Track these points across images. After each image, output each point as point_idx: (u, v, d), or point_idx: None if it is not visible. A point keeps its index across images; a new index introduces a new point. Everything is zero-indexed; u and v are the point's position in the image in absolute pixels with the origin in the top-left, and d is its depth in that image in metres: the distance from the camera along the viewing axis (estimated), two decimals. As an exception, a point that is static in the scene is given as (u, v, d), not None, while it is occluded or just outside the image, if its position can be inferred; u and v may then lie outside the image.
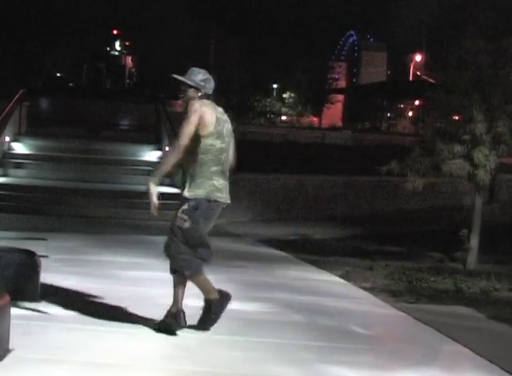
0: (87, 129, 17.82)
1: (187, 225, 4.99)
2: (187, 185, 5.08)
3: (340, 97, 58.38)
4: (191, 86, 5.24)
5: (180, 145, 4.99)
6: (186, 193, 5.07)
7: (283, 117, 50.71)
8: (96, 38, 34.00)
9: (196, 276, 5.07)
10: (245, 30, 42.40)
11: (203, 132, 5.01)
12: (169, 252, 5.11)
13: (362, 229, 12.67)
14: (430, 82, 12.01)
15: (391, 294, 7.40)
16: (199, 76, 5.30)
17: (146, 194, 5.12)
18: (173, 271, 5.14)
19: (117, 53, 38.25)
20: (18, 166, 15.39)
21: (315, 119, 55.66)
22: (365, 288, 7.60)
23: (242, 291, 6.49)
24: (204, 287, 5.12)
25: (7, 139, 16.11)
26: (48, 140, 16.72)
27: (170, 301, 6.21)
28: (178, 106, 19.98)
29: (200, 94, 5.22)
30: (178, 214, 5.04)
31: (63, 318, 5.42)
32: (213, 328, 5.13)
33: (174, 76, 5.29)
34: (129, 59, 38.56)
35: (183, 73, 5.31)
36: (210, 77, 5.32)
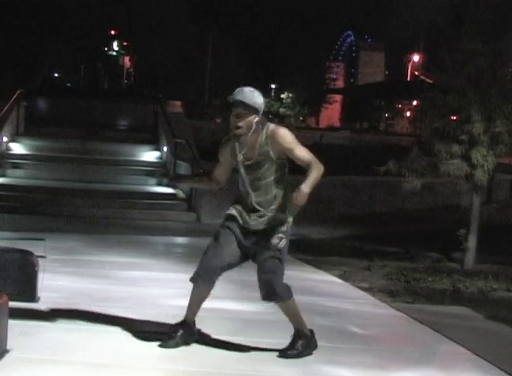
0: (85, 129, 17.82)
1: (283, 243, 4.69)
2: (273, 206, 4.69)
3: (338, 97, 58.45)
4: (255, 111, 4.63)
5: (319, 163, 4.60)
6: (279, 217, 4.69)
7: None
8: (94, 39, 33.97)
9: (292, 301, 4.84)
10: (243, 30, 42.39)
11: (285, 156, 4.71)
12: (280, 281, 4.74)
13: (359, 229, 12.67)
14: (428, 82, 12.02)
15: (389, 294, 7.40)
16: (260, 98, 4.66)
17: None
18: (272, 298, 4.77)
19: (114, 53, 38.20)
20: (16, 166, 15.39)
21: (311, 120, 55.65)
22: (363, 288, 7.60)
23: (241, 291, 6.50)
24: (296, 314, 4.87)
25: (5, 139, 16.11)
26: (45, 140, 16.73)
27: (169, 301, 6.22)
28: (176, 106, 19.95)
29: (257, 119, 4.64)
30: (278, 235, 4.65)
31: (61, 318, 5.42)
32: (213, 328, 5.14)
33: (237, 98, 4.60)
34: (127, 60, 38.52)
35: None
36: None
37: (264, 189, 4.70)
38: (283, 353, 4.82)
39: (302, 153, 4.64)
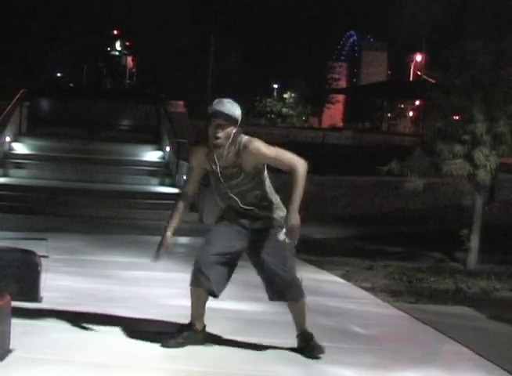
0: (87, 129, 17.84)
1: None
2: (269, 211, 4.71)
3: (341, 97, 58.40)
4: (235, 122, 4.61)
5: (301, 162, 4.58)
6: (276, 216, 4.71)
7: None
8: (97, 39, 34.01)
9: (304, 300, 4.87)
10: (245, 30, 42.40)
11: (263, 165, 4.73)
12: (291, 280, 4.73)
13: (362, 229, 12.67)
14: (431, 82, 12.01)
15: (392, 294, 7.40)
16: (239, 110, 4.65)
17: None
18: (290, 298, 4.78)
19: (117, 53, 38.23)
20: (18, 166, 15.41)
21: (314, 120, 55.64)
22: (365, 288, 7.60)
23: (242, 291, 6.50)
24: (306, 315, 4.89)
25: (7, 139, 16.14)
26: (48, 140, 16.75)
27: (172, 301, 6.22)
28: (178, 106, 19.97)
29: (235, 130, 4.62)
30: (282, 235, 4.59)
31: (64, 318, 5.42)
32: (213, 328, 5.13)
33: (218, 109, 4.58)
34: (129, 60, 38.55)
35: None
36: None
37: (245, 193, 4.73)
38: (311, 355, 4.82)
39: (282, 157, 4.62)
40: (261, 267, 4.79)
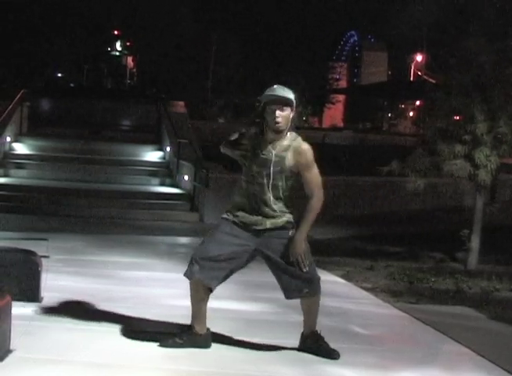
0: (88, 129, 17.85)
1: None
2: (282, 213, 4.73)
3: (341, 97, 58.41)
4: (292, 106, 4.67)
5: (322, 195, 4.72)
6: (288, 218, 4.76)
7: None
8: (97, 39, 34.01)
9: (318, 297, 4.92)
10: (246, 30, 42.41)
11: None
12: (310, 276, 4.78)
13: (362, 230, 12.67)
14: (431, 82, 12.01)
15: (392, 294, 7.40)
16: (292, 93, 4.70)
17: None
18: (307, 293, 4.83)
19: (117, 54, 38.24)
20: (19, 166, 15.41)
21: (314, 120, 55.62)
22: (365, 288, 7.60)
23: (242, 291, 6.50)
24: (316, 314, 4.94)
25: (8, 139, 16.14)
26: (49, 140, 16.75)
27: (172, 301, 6.22)
28: (178, 106, 19.97)
29: (292, 115, 4.70)
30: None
31: (64, 318, 5.43)
32: (213, 328, 5.13)
33: (276, 94, 4.63)
34: (130, 60, 38.56)
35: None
36: None
37: (262, 187, 4.73)
38: (330, 356, 4.84)
39: (315, 177, 4.73)
40: (277, 267, 4.79)
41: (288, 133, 4.73)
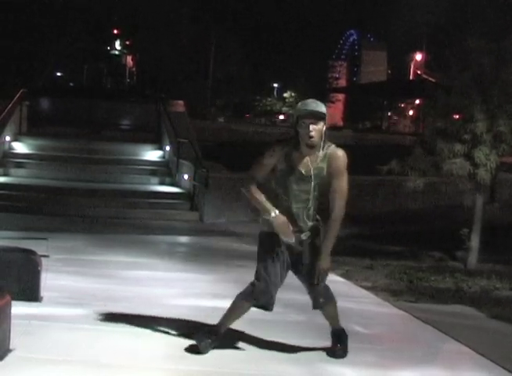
0: (87, 129, 17.83)
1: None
2: (310, 219, 4.76)
3: (341, 96, 58.39)
4: (324, 120, 4.69)
5: (343, 209, 4.72)
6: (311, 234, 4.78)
7: (281, 117, 50.73)
8: (97, 38, 34.00)
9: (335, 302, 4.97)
10: (246, 29, 42.40)
11: None
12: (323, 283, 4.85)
13: (362, 229, 12.67)
14: (431, 81, 12.01)
15: (392, 293, 7.41)
16: (324, 107, 4.73)
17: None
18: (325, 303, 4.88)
19: (117, 53, 38.22)
20: (19, 166, 15.40)
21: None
22: (365, 287, 7.60)
23: (243, 291, 6.49)
24: (337, 315, 4.98)
25: (7, 138, 16.13)
26: (48, 140, 16.74)
27: (173, 300, 6.22)
28: (178, 105, 19.96)
29: (325, 128, 4.70)
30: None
31: (64, 318, 5.43)
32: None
33: (309, 109, 4.64)
34: (130, 59, 38.54)
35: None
36: None
37: (306, 203, 4.72)
38: (333, 353, 4.88)
39: (343, 186, 4.72)
40: (306, 278, 4.80)
41: (320, 146, 4.71)
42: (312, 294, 4.82)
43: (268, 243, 4.75)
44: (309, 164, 4.69)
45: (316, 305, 4.86)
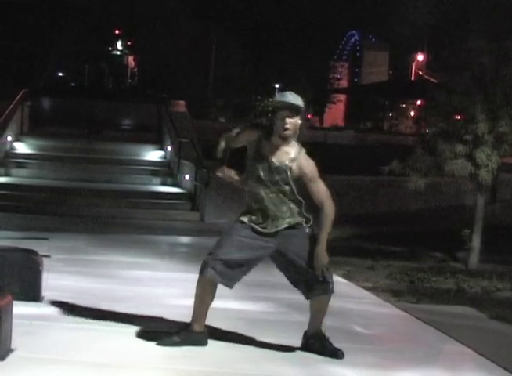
0: (89, 129, 17.83)
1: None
2: (296, 213, 4.77)
3: (342, 97, 58.33)
4: (300, 114, 4.71)
5: (332, 202, 4.75)
6: (300, 220, 4.79)
7: None
8: (98, 38, 34.01)
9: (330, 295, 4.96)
10: (247, 29, 42.39)
11: None
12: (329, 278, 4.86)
13: (363, 229, 12.66)
14: (433, 82, 12.01)
15: (393, 293, 7.40)
16: (302, 101, 4.76)
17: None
18: (329, 291, 4.89)
19: (118, 53, 38.24)
20: (20, 166, 15.41)
21: (315, 119, 55.65)
22: (366, 288, 7.60)
23: (242, 291, 6.48)
24: (324, 314, 4.97)
25: (9, 138, 16.14)
26: (50, 140, 16.75)
27: (174, 300, 6.22)
28: (179, 105, 19.96)
29: (300, 123, 4.72)
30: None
31: (65, 318, 5.43)
32: (216, 328, 5.14)
33: (286, 101, 4.67)
34: (131, 59, 38.56)
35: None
36: None
37: (282, 193, 4.75)
38: (335, 355, 4.85)
39: (319, 186, 4.75)
40: (290, 268, 4.82)
41: (294, 144, 4.75)
42: (307, 285, 4.81)
43: (233, 228, 4.82)
44: (278, 157, 4.71)
45: (311, 295, 4.85)
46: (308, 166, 4.74)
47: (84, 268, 7.64)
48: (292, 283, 4.93)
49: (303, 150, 4.79)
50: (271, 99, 4.88)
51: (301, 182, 4.76)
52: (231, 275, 4.75)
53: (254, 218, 4.80)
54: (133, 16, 35.06)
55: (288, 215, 4.78)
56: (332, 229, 4.85)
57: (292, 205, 4.78)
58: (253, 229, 4.78)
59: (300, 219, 4.80)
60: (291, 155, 4.73)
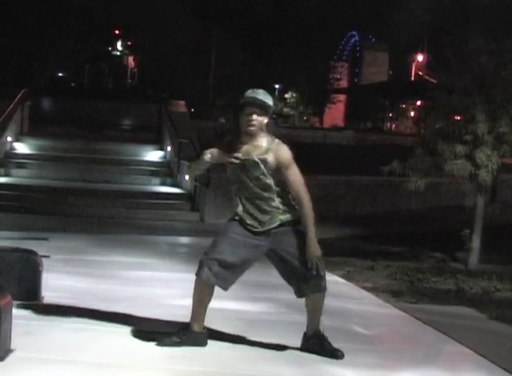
0: (88, 129, 17.84)
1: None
2: (285, 209, 4.75)
3: (342, 97, 58.35)
4: (267, 112, 4.71)
5: (308, 196, 4.72)
6: (293, 217, 4.78)
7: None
8: (98, 38, 34.03)
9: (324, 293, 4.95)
10: (247, 29, 42.40)
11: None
12: (322, 273, 4.84)
13: (363, 229, 12.67)
14: (432, 82, 12.00)
15: (393, 294, 7.40)
16: (271, 101, 4.76)
17: None
18: (322, 289, 4.88)
19: (118, 53, 38.26)
20: (20, 166, 15.42)
21: (315, 120, 55.68)
22: (366, 288, 7.60)
23: (242, 291, 6.49)
24: (320, 313, 4.96)
25: (9, 138, 16.15)
26: (50, 140, 16.76)
27: (173, 301, 6.22)
28: (179, 106, 19.97)
29: (267, 121, 4.72)
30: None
31: (65, 318, 5.43)
32: (215, 328, 5.14)
33: (253, 96, 4.68)
34: (131, 59, 38.58)
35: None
36: None
37: (265, 189, 4.75)
38: (334, 356, 4.84)
39: (297, 179, 4.73)
40: (289, 267, 4.81)
41: (264, 137, 4.74)
42: (300, 282, 4.80)
43: (227, 225, 4.83)
44: (251, 153, 4.71)
45: (303, 293, 4.84)
46: (283, 153, 4.72)
47: (83, 268, 7.64)
48: (286, 281, 4.92)
49: (276, 140, 4.76)
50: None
51: (280, 173, 4.73)
52: (226, 276, 4.75)
53: (245, 218, 4.79)
54: (133, 16, 35.06)
55: (278, 211, 4.76)
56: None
57: (280, 201, 4.77)
58: (246, 228, 4.79)
59: (292, 216, 4.78)
60: (263, 147, 4.72)
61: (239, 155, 4.72)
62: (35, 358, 4.48)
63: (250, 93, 4.75)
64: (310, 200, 4.74)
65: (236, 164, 4.73)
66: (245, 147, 4.73)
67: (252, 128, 4.69)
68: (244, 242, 4.76)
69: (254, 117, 4.67)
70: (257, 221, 4.77)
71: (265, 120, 4.71)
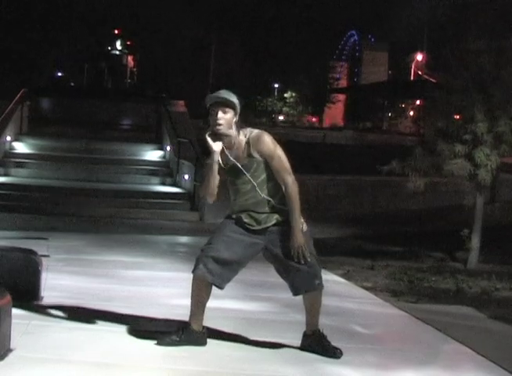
0: (88, 129, 17.83)
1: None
2: (281, 207, 4.73)
3: (342, 97, 58.40)
4: (234, 110, 4.69)
5: (294, 179, 4.69)
6: (281, 218, 4.76)
7: (281, 117, 50.67)
8: (98, 38, 34.01)
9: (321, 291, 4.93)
10: (247, 29, 42.41)
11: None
12: (316, 271, 4.83)
13: (363, 229, 12.67)
14: (432, 82, 12.01)
15: (393, 293, 7.40)
16: (236, 98, 4.73)
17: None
18: (317, 287, 4.84)
19: (118, 53, 38.23)
20: (19, 165, 15.42)
21: (314, 119, 55.70)
22: (366, 288, 7.60)
23: (242, 291, 6.50)
24: (318, 312, 4.95)
25: (8, 138, 16.15)
26: (49, 140, 16.76)
27: (173, 300, 6.22)
28: (179, 105, 19.96)
29: (235, 119, 4.70)
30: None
31: (65, 318, 5.43)
32: (216, 328, 5.14)
33: (219, 96, 4.67)
34: (130, 59, 38.54)
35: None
36: None
37: (262, 184, 4.74)
38: (333, 355, 4.84)
39: (283, 164, 4.71)
40: (282, 265, 4.81)
41: (239, 134, 4.73)
42: (295, 279, 4.79)
43: (224, 223, 4.85)
44: (237, 154, 4.70)
45: (298, 291, 4.83)
46: (263, 143, 4.68)
47: (83, 268, 7.64)
48: (283, 279, 4.92)
49: (254, 132, 4.74)
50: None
51: (269, 165, 4.71)
52: (222, 273, 4.74)
53: (241, 216, 4.80)
54: (133, 16, 35.07)
55: (274, 210, 4.76)
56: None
57: (276, 200, 4.76)
58: (242, 226, 4.79)
59: (285, 215, 4.77)
60: (242, 144, 4.71)
61: (223, 162, 4.73)
62: (35, 357, 4.48)
63: (213, 94, 4.76)
64: (296, 185, 4.70)
65: (224, 169, 4.75)
66: (227, 151, 4.72)
67: (220, 127, 4.66)
68: (241, 240, 4.76)
69: (220, 115, 4.65)
70: (253, 219, 4.78)
71: (234, 119, 4.70)
